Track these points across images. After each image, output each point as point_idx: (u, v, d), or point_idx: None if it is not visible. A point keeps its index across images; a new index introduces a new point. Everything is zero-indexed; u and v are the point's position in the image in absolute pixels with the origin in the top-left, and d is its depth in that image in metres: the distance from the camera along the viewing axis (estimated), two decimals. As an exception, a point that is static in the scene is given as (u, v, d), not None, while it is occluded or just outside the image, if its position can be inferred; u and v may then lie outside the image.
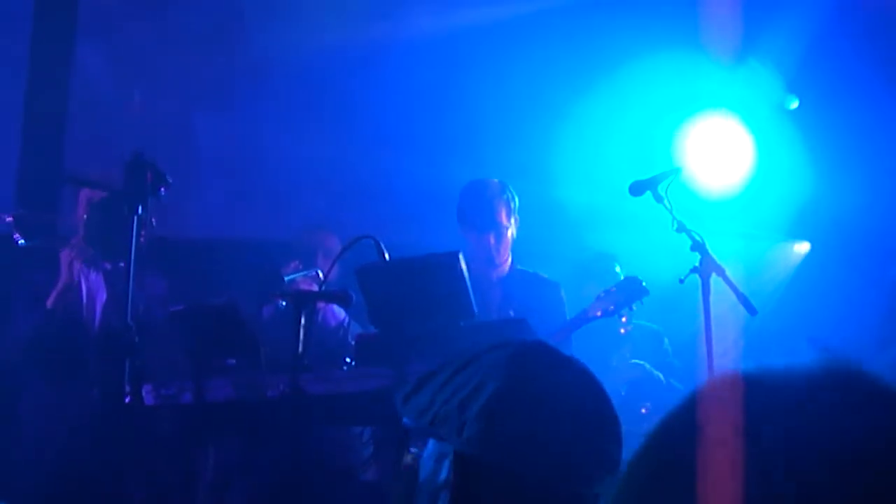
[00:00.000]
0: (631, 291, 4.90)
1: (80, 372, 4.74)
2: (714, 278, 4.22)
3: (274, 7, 6.61)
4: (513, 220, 5.04)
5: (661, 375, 5.45)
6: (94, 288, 4.85)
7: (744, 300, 4.23)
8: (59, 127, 6.34)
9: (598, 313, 4.86)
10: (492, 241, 4.99)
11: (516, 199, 5.05)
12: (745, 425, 0.78)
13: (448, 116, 6.35)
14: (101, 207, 4.67)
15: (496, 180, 5.09)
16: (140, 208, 4.02)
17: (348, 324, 5.12)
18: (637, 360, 5.51)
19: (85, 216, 4.80)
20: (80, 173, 4.95)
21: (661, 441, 0.84)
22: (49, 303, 4.72)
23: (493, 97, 6.29)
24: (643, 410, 5.29)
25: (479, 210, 5.00)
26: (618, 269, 5.57)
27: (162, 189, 4.10)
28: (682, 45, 6.04)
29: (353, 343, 4.90)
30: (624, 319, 5.39)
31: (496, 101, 6.28)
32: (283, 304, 4.82)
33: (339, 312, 5.14)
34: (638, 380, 5.42)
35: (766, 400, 0.81)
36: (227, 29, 6.57)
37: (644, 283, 4.92)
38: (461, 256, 3.97)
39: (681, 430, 0.82)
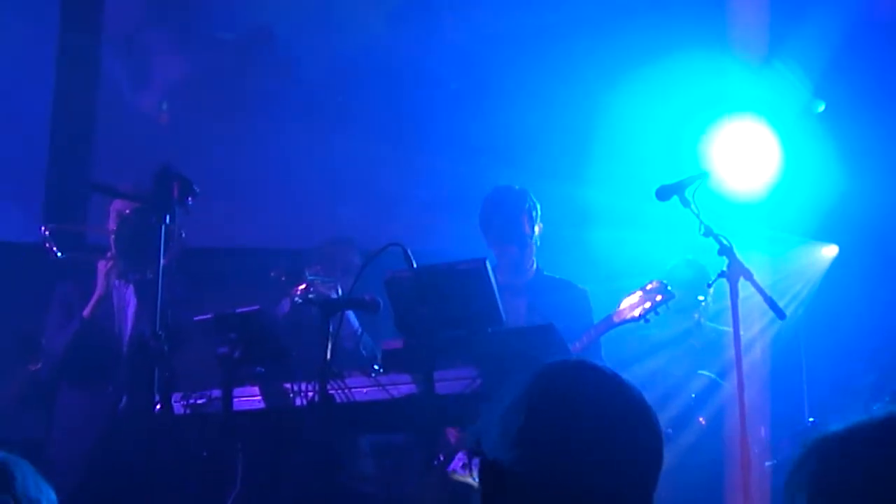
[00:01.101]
0: (656, 296, 4.83)
1: (111, 381, 4.77)
2: (742, 282, 4.18)
3: (301, 18, 6.62)
4: (536, 229, 5.00)
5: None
6: (124, 298, 4.88)
7: (772, 304, 4.19)
8: (87, 139, 6.38)
9: (624, 318, 4.81)
10: (515, 251, 4.97)
11: (538, 207, 5.02)
12: None
13: (474, 122, 6.34)
14: (131, 219, 4.71)
15: (517, 188, 5.05)
16: (168, 218, 4.04)
17: (361, 334, 5.10)
18: (703, 371, 5.42)
19: (115, 228, 4.83)
20: (108, 183, 4.98)
21: None
22: (86, 312, 4.77)
23: (520, 102, 6.28)
24: (701, 420, 5.24)
25: (500, 222, 4.98)
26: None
27: (190, 199, 4.11)
28: (709, 49, 6.01)
29: (364, 353, 4.92)
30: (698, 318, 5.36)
31: (523, 107, 6.27)
32: (299, 301, 4.82)
33: (354, 322, 5.12)
34: (701, 390, 5.34)
35: None
36: (253, 39, 6.59)
37: (670, 287, 4.85)
38: (488, 263, 3.95)
39: None
